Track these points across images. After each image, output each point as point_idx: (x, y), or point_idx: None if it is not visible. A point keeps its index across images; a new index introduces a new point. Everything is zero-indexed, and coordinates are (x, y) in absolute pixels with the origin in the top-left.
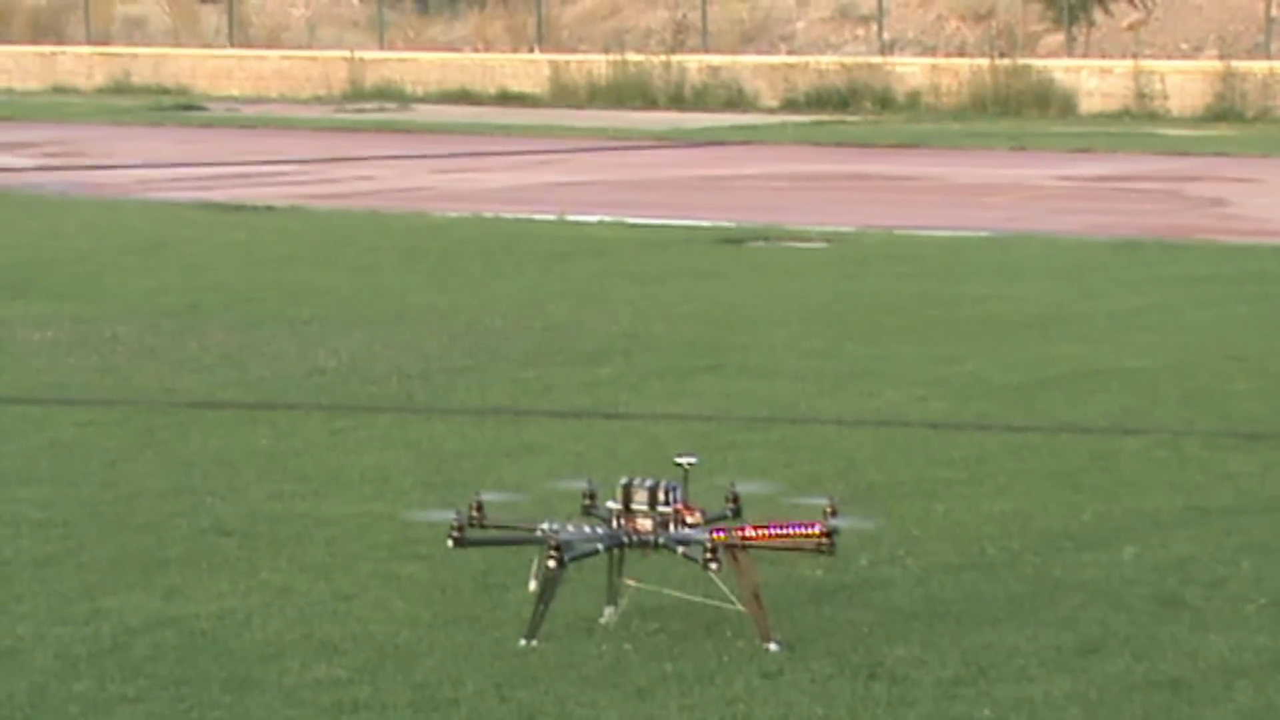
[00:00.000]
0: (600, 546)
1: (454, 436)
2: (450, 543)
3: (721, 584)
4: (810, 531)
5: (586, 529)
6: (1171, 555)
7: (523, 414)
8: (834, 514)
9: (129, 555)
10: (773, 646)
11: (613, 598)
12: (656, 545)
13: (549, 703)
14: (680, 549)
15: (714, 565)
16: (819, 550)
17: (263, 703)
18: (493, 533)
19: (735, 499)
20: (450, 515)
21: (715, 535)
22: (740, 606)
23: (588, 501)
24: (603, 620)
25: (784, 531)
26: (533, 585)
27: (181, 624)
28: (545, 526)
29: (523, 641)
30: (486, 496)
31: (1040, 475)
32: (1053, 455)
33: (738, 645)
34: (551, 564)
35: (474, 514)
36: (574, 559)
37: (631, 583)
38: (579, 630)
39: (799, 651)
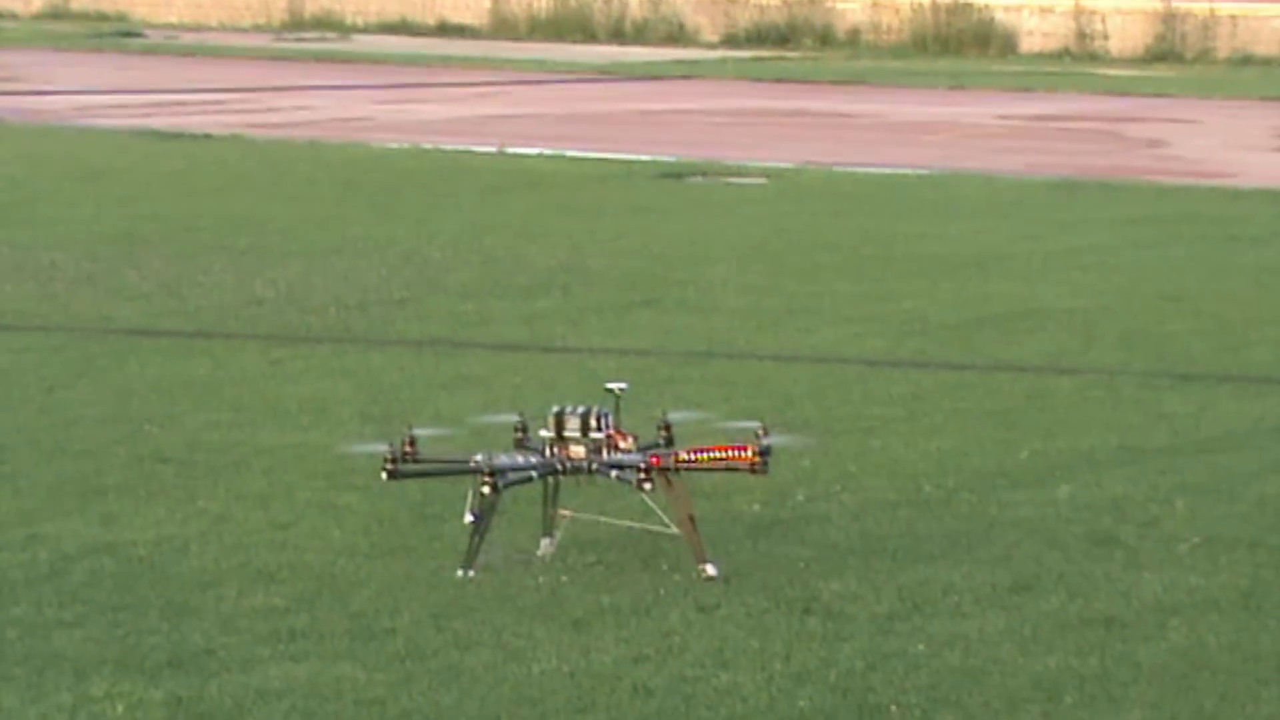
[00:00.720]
0: (534, 474)
1: (392, 368)
2: (384, 475)
3: (657, 509)
4: (742, 454)
5: (519, 459)
6: (1106, 494)
7: (461, 346)
8: (765, 435)
9: (66, 482)
10: (709, 569)
11: (548, 529)
12: (590, 471)
13: (485, 633)
14: (614, 473)
15: (647, 486)
16: (752, 470)
17: (200, 629)
18: (427, 464)
19: (667, 427)
20: (384, 447)
21: (645, 458)
22: (675, 530)
23: (519, 434)
24: (539, 553)
25: (718, 455)
26: (469, 518)
27: (119, 550)
28: (480, 458)
29: (460, 572)
30: (419, 431)
31: (976, 414)
32: (989, 394)
33: (674, 578)
34: (486, 490)
35: (407, 449)
36: (508, 485)
37: (566, 513)
38: (516, 562)
39: (735, 585)
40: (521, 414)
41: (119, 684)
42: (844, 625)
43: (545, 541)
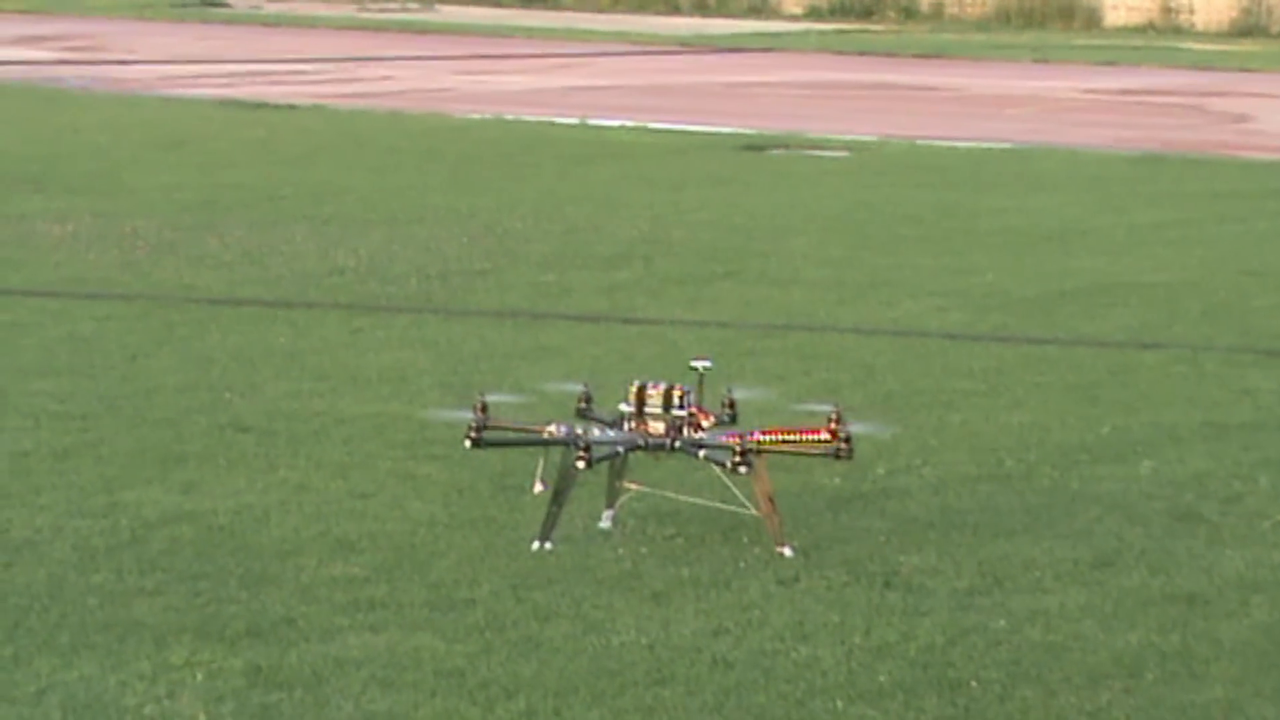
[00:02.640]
0: (621, 449)
1: (472, 338)
2: (468, 443)
3: (736, 489)
4: (824, 438)
5: (596, 432)
6: (1188, 470)
7: (540, 317)
8: (838, 420)
9: (147, 449)
10: (787, 551)
11: (611, 501)
12: (672, 448)
13: (565, 604)
14: (702, 453)
15: (743, 469)
16: (838, 455)
17: (279, 599)
18: (510, 434)
19: (731, 404)
20: (468, 415)
21: (729, 440)
22: (755, 511)
23: (583, 405)
24: (601, 525)
25: (801, 437)
26: (539, 488)
27: (199, 519)
28: (553, 428)
29: (535, 544)
30: (491, 397)
31: (1058, 388)
32: (1070, 368)
33: (754, 551)
34: (581, 465)
35: (479, 413)
36: (599, 460)
37: (632, 486)
38: (595, 534)
39: (814, 559)
40: (586, 384)
41: (198, 652)
42: (924, 600)
43: (607, 513)
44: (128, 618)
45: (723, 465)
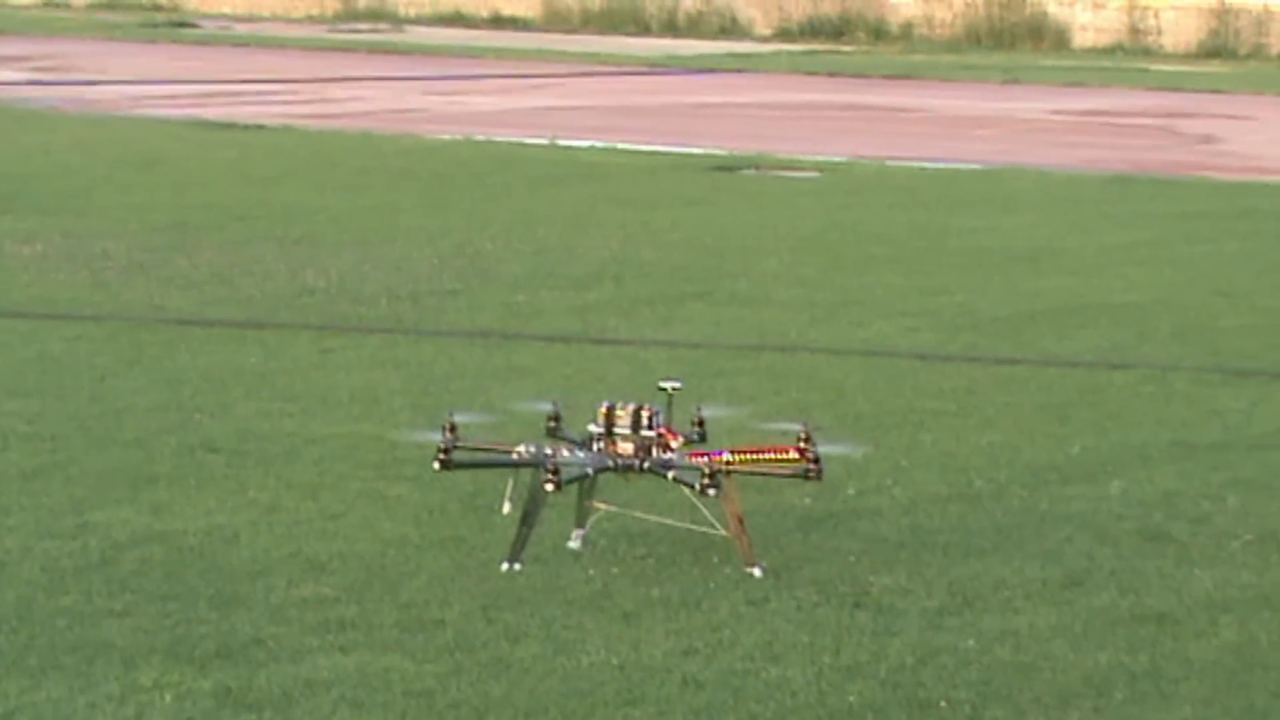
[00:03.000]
0: (590, 470)
1: (443, 358)
2: (436, 465)
3: (706, 510)
4: (794, 456)
5: (565, 452)
6: (1158, 490)
7: (512, 337)
8: (808, 440)
9: (117, 470)
10: (756, 571)
11: (580, 520)
12: (642, 469)
13: (535, 625)
14: (671, 474)
15: (711, 491)
16: (807, 476)
17: (249, 620)
18: (479, 455)
19: (701, 423)
20: (437, 437)
21: (693, 458)
22: (725, 531)
23: (552, 424)
24: (571, 545)
25: (769, 456)
26: (507, 508)
27: (169, 540)
28: (522, 449)
29: (505, 565)
30: (460, 417)
31: (1028, 408)
32: (1041, 388)
33: (724, 571)
34: (550, 487)
35: (448, 433)
36: (569, 482)
37: (602, 506)
38: (565, 554)
39: (785, 579)
40: (555, 403)
41: (168, 673)
42: (894, 620)
43: (577, 533)
44: (97, 639)
45: (692, 486)
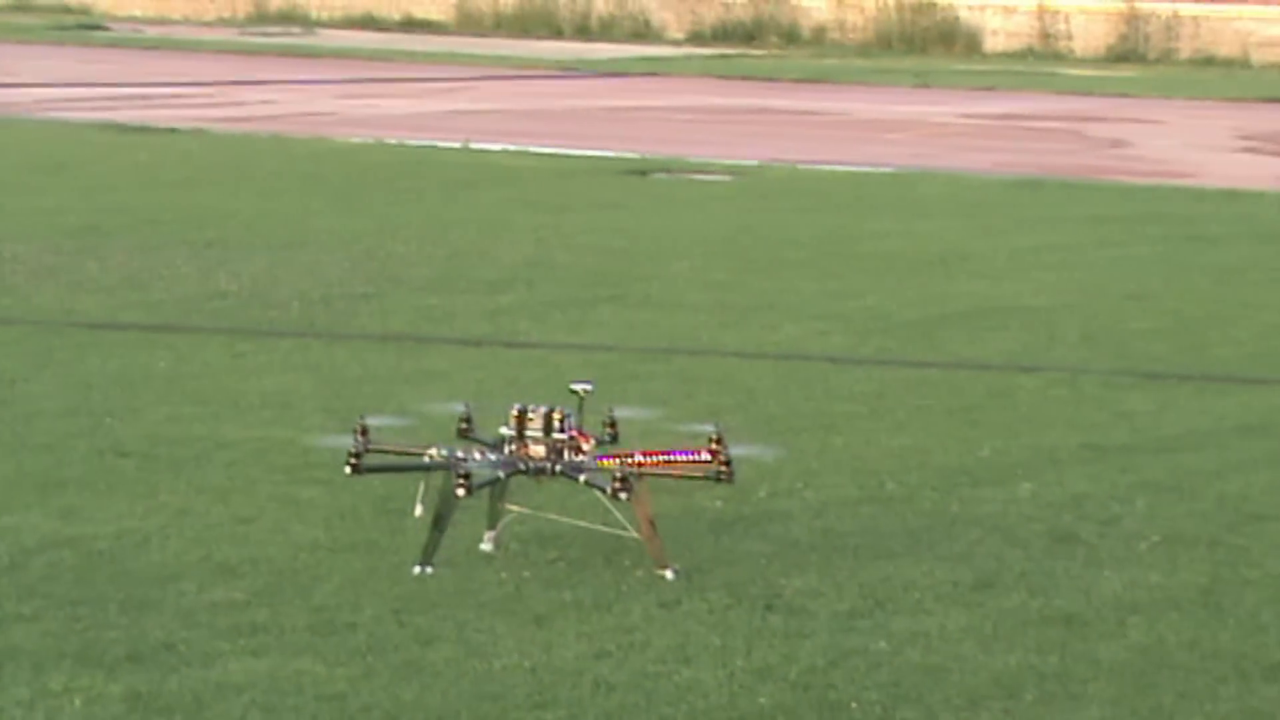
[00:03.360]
0: (501, 474)
1: (354, 362)
2: (348, 470)
3: (618, 512)
4: (702, 459)
5: (477, 455)
6: (1067, 492)
7: (424, 341)
8: (719, 441)
9: (26, 475)
10: (668, 574)
11: (492, 523)
12: (553, 473)
13: (447, 628)
14: (582, 477)
15: (623, 495)
16: (719, 479)
17: (159, 624)
18: (391, 459)
19: (613, 424)
20: (349, 441)
21: (604, 461)
22: (636, 534)
23: (464, 425)
24: (483, 546)
25: (681, 458)
26: (419, 511)
27: (79, 544)
28: (434, 451)
29: (417, 569)
30: (372, 420)
31: (939, 411)
32: (952, 391)
33: (636, 574)
34: (461, 493)
35: (359, 437)
36: (480, 487)
37: (514, 508)
38: (477, 557)
39: (696, 582)
40: (467, 405)
41: (77, 678)
42: (805, 622)
43: (489, 535)
44: (5, 644)
45: (604, 490)
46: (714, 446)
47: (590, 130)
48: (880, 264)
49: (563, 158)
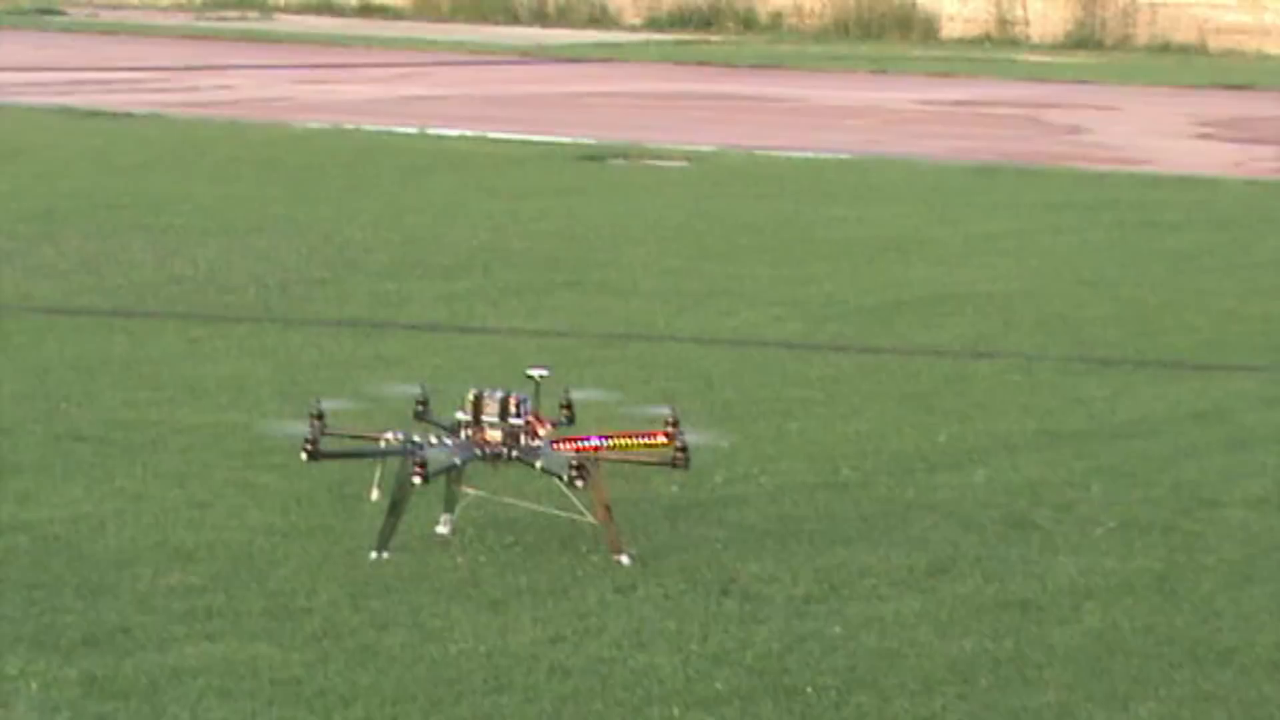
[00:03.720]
0: (458, 460)
1: (311, 347)
2: (304, 456)
3: (574, 497)
4: (656, 442)
5: (434, 440)
6: (1022, 478)
7: (380, 326)
8: (675, 424)
9: None
10: (624, 559)
11: (449, 506)
12: (510, 458)
13: (403, 613)
14: (539, 464)
15: (579, 483)
16: (674, 464)
17: (115, 608)
18: (347, 444)
19: (569, 406)
20: (304, 428)
21: (559, 445)
22: (592, 519)
23: (420, 408)
24: (439, 529)
25: (636, 441)
26: (374, 495)
27: (34, 529)
28: (390, 436)
29: (373, 554)
30: (326, 404)
31: (894, 397)
32: (907, 377)
33: (591, 560)
34: (417, 480)
35: (315, 422)
36: (436, 474)
37: (470, 491)
38: (433, 543)
39: (652, 567)
40: (424, 386)
41: (33, 662)
42: (761, 607)
43: (445, 518)
44: None
45: (559, 477)
46: (669, 429)
47: (547, 116)
48: (836, 250)
49: (519, 143)
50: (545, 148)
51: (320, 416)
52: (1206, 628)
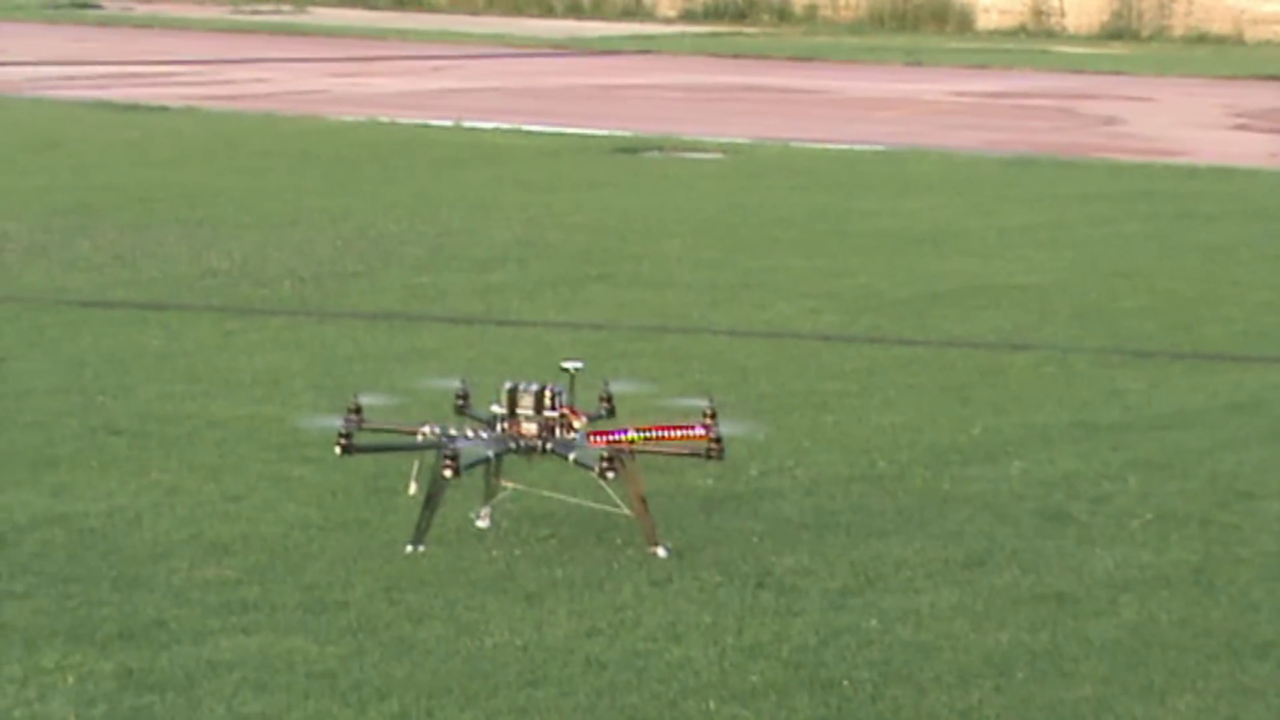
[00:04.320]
0: (490, 454)
1: (346, 340)
2: (338, 450)
3: (610, 490)
4: (693, 434)
5: (469, 433)
6: (1058, 470)
7: (415, 319)
8: (713, 416)
9: (17, 452)
10: (660, 551)
11: (489, 499)
12: (544, 451)
13: (438, 606)
14: (571, 456)
15: (610, 475)
16: (709, 455)
17: (151, 601)
18: (382, 438)
19: (609, 399)
20: (340, 420)
21: (595, 437)
22: (628, 511)
23: (460, 402)
24: (479, 522)
25: (671, 434)
26: (413, 488)
27: (70, 522)
28: (427, 430)
29: (408, 548)
30: (364, 399)
31: (930, 389)
32: (942, 370)
33: (627, 552)
34: (448, 474)
35: (352, 416)
36: (469, 467)
37: (508, 485)
38: (469, 536)
39: (688, 560)
40: (464, 381)
41: (70, 655)
42: (796, 600)
43: (483, 511)
44: None
45: (591, 469)
46: (707, 421)
47: (581, 108)
48: (871, 242)
49: (554, 136)
50: (579, 140)
51: (358, 411)
52: (1243, 620)
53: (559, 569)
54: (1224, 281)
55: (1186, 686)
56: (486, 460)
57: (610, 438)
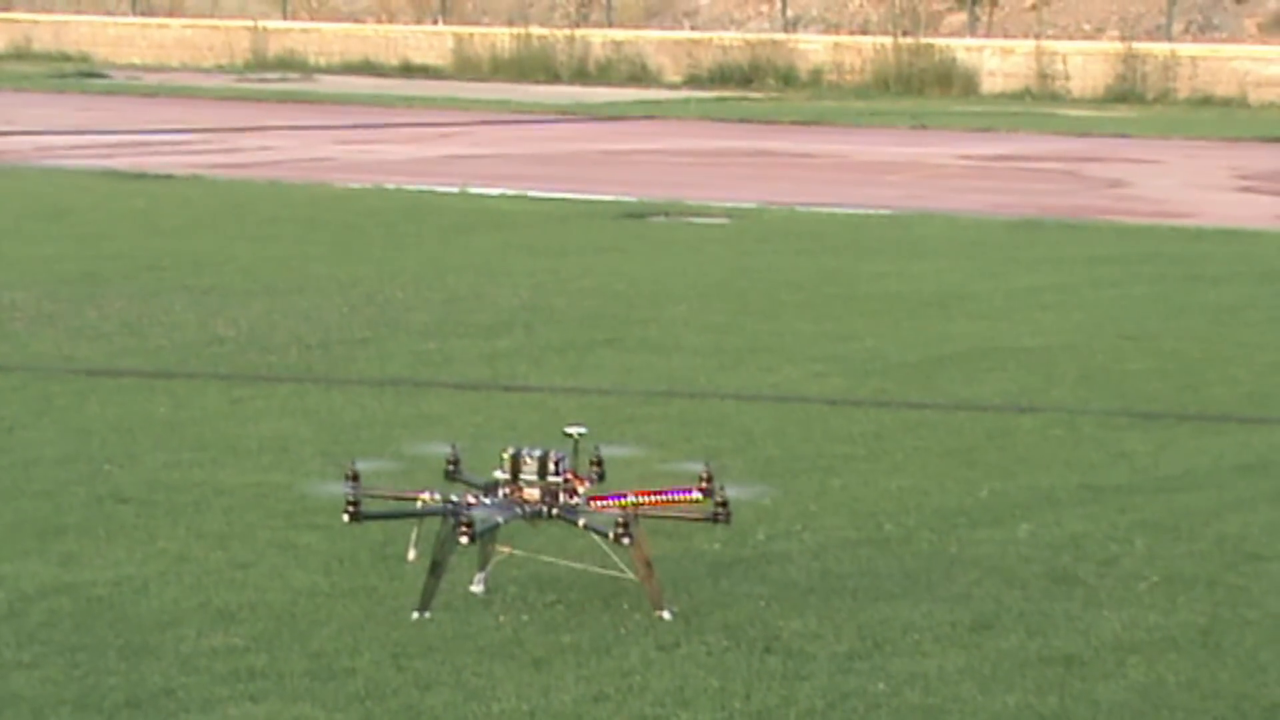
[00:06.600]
0: (501, 519)
1: (353, 407)
2: (345, 518)
3: (615, 554)
4: (696, 497)
5: (471, 499)
6: (1065, 532)
7: (422, 385)
8: (709, 479)
9: (25, 522)
10: (666, 615)
11: (483, 564)
12: (550, 517)
13: (445, 673)
14: (581, 521)
15: (625, 541)
16: (715, 519)
17: (159, 670)
18: (390, 504)
19: (599, 462)
20: (347, 489)
21: (595, 502)
22: (633, 575)
23: (451, 467)
24: (473, 589)
25: (673, 497)
26: (411, 555)
27: (78, 591)
28: (427, 495)
29: (415, 614)
30: (364, 464)
31: (937, 452)
32: (949, 433)
33: (634, 617)
34: (464, 540)
35: (352, 483)
36: (483, 534)
37: (504, 550)
38: (475, 602)
39: (695, 624)
40: (454, 446)
41: None
42: (804, 664)
43: (479, 576)
44: (5, 691)
45: (604, 535)
46: (704, 485)
47: (587, 174)
48: (878, 305)
49: (560, 201)
50: (586, 206)
51: (355, 477)
52: (1251, 682)
53: (566, 634)
54: (1230, 343)
55: None
56: (497, 526)
57: (606, 502)
